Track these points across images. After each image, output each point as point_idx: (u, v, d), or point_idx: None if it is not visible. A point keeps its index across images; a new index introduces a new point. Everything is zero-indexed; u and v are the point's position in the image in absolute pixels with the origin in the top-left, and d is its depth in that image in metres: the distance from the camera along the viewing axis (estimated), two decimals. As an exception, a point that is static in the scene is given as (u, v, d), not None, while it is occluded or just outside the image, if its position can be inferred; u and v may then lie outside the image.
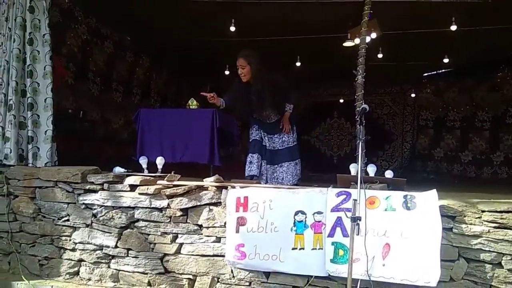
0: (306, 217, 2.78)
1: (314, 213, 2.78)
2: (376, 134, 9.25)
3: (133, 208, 3.12)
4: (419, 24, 5.94)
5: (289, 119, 4.08)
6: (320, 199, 2.80)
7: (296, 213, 2.80)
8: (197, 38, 6.77)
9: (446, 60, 6.99)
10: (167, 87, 8.73)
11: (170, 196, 3.00)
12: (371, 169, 3.24)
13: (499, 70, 7.91)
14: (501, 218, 2.43)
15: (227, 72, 7.70)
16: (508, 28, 5.80)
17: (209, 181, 3.03)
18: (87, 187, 3.28)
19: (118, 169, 3.31)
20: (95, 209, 3.26)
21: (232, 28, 5.84)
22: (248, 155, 4.12)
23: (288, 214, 2.79)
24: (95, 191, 3.26)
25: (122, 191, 3.17)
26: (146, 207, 3.08)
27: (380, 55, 6.68)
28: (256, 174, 3.96)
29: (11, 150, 3.74)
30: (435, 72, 8.74)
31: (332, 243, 2.68)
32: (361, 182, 2.42)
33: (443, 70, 8.51)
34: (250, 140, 4.18)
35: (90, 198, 3.26)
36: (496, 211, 2.46)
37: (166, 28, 6.58)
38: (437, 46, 6.70)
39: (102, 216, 3.22)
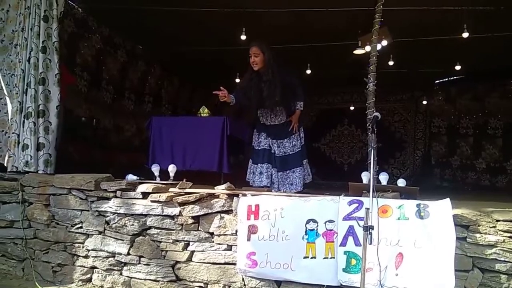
0: (317, 226, 2.77)
1: (326, 221, 2.77)
2: (388, 141, 9.17)
3: (145, 215, 3.15)
4: (430, 31, 5.92)
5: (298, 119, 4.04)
6: (331, 208, 2.79)
7: (308, 222, 2.79)
8: (208, 46, 6.84)
9: (458, 67, 6.93)
10: (178, 95, 8.81)
11: (182, 204, 3.02)
12: (383, 178, 3.22)
13: (511, 77, 7.80)
14: (516, 228, 2.40)
15: (237, 80, 7.73)
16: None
17: (221, 189, 3.04)
18: (100, 194, 3.32)
19: (131, 177, 3.34)
20: (108, 216, 3.29)
21: (243, 37, 5.88)
22: (257, 165, 4.00)
23: (300, 223, 2.79)
24: (108, 199, 3.30)
25: (135, 198, 3.20)
26: (158, 215, 3.10)
27: (391, 62, 6.65)
28: (268, 185, 3.90)
29: (31, 156, 3.80)
30: (446, 79, 8.67)
31: (345, 252, 2.66)
32: (373, 191, 2.41)
33: (454, 77, 8.44)
34: (258, 149, 4.07)
35: (103, 205, 3.30)
36: (511, 221, 2.43)
37: (177, 37, 6.65)
38: (449, 53, 6.66)
39: (115, 223, 3.25)
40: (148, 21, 5.98)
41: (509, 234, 2.41)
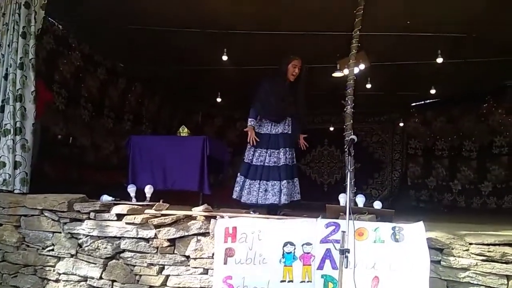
0: (295, 249, 2.75)
1: (303, 244, 2.76)
2: (366, 162, 9.32)
3: (119, 238, 3.07)
4: (406, 56, 6.13)
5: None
6: (309, 230, 2.78)
7: (285, 244, 2.77)
8: (189, 66, 6.88)
9: (433, 91, 7.16)
10: (159, 114, 8.77)
11: (158, 226, 2.96)
12: (360, 200, 3.25)
13: (484, 101, 8.08)
14: (488, 251, 2.43)
15: (219, 100, 7.79)
16: (492, 61, 6.01)
17: (198, 211, 3.01)
18: (74, 215, 3.22)
19: (106, 198, 3.27)
20: (80, 238, 3.19)
21: (224, 57, 5.94)
22: (253, 181, 3.89)
23: (277, 245, 2.77)
24: (81, 220, 3.20)
25: (109, 220, 3.11)
26: (132, 237, 3.02)
27: (368, 85, 6.81)
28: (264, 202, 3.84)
29: (9, 175, 3.68)
30: (422, 102, 8.93)
31: (322, 276, 2.64)
32: (349, 213, 2.42)
33: (430, 101, 8.70)
34: (257, 164, 3.95)
35: (76, 227, 3.20)
36: (484, 244, 2.47)
37: (158, 56, 6.68)
38: (424, 77, 6.88)
39: (88, 246, 3.15)
40: (130, 39, 5.99)
41: (481, 258, 2.44)
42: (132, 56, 6.85)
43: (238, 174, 4.02)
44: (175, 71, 7.19)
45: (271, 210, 3.85)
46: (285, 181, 3.86)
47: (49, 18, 5.43)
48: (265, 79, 4.07)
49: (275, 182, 3.87)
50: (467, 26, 5.13)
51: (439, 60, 5.55)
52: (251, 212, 3.51)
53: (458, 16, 4.96)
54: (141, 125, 7.99)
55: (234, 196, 3.93)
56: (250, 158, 3.97)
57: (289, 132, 4.01)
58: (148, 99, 8.27)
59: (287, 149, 3.96)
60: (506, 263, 2.40)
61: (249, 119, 3.96)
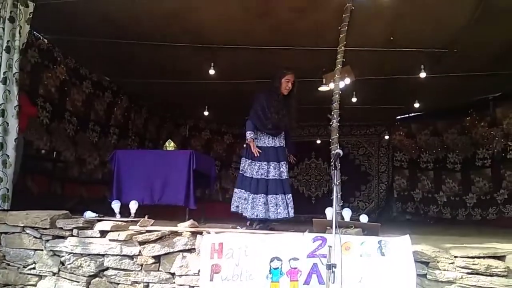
0: (282, 264, 2.73)
1: (290, 259, 2.74)
2: (353, 174, 9.37)
3: (103, 255, 3.01)
4: (391, 71, 6.23)
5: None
6: (296, 245, 2.77)
7: (272, 260, 2.75)
8: (177, 79, 6.87)
9: (417, 105, 7.27)
10: (145, 127, 8.71)
11: (142, 243, 2.91)
12: (347, 213, 3.25)
13: (467, 114, 8.25)
14: (473, 264, 2.45)
15: (206, 113, 7.78)
16: (473, 75, 6.15)
17: (184, 226, 2.97)
18: (56, 233, 3.15)
19: (89, 214, 3.21)
20: (63, 256, 3.12)
21: (212, 71, 5.96)
22: (257, 195, 3.81)
23: (264, 261, 2.74)
24: (64, 237, 3.14)
25: (92, 237, 3.06)
26: (116, 254, 2.97)
27: (354, 99, 6.89)
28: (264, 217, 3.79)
29: None
30: (407, 116, 9.06)
31: (309, 291, 2.62)
32: (336, 228, 2.42)
33: (414, 114, 8.83)
34: (258, 178, 3.87)
35: (58, 245, 3.13)
36: (468, 257, 2.49)
37: (145, 69, 6.67)
38: (409, 91, 7.00)
39: (70, 264, 3.08)
40: (117, 53, 5.98)
41: (466, 271, 2.46)
42: (119, 69, 6.83)
43: (236, 188, 3.97)
44: (162, 84, 7.17)
45: (262, 223, 3.83)
46: (289, 195, 3.90)
47: (34, 32, 5.41)
48: (261, 93, 4.09)
49: (280, 195, 3.86)
50: (448, 42, 5.26)
51: (422, 74, 5.66)
52: (238, 227, 3.47)
53: (439, 32, 5.10)
54: (127, 139, 7.90)
55: (233, 210, 3.89)
56: (250, 171, 3.92)
57: (283, 146, 4.05)
58: (134, 113, 8.22)
59: (283, 163, 3.98)
60: (491, 275, 2.42)
61: (248, 132, 3.94)
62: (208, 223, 4.42)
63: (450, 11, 4.62)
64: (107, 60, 6.45)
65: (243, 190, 3.90)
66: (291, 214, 3.85)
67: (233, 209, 3.91)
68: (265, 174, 3.88)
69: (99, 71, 6.94)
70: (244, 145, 4.12)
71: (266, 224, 3.84)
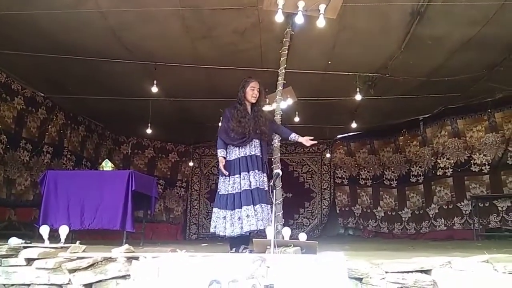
0: (221, 287, 2.69)
1: (230, 281, 2.70)
2: (297, 191, 9.57)
3: (29, 285, 2.78)
4: (331, 92, 6.52)
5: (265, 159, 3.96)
6: (235, 266, 2.74)
7: (211, 283, 2.69)
8: (118, 96, 6.68)
9: (354, 125, 7.64)
10: (83, 146, 8.29)
11: (73, 271, 2.73)
12: (286, 232, 3.29)
13: (400, 134, 8.80)
14: (403, 279, 2.56)
15: (149, 131, 7.59)
16: (404, 98, 6.61)
17: (118, 252, 2.83)
18: (-26, 262, 2.88)
19: (14, 240, 2.97)
20: (-19, 288, 2.85)
21: (154, 89, 5.87)
22: (234, 211, 3.70)
23: (202, 285, 2.68)
24: (-17, 267, 2.87)
25: (17, 266, 2.82)
26: (43, 284, 2.75)
27: (297, 119, 7.10)
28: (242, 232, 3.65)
29: None
30: (346, 134, 9.48)
31: (247, 314, 2.60)
32: (275, 247, 2.44)
33: (353, 133, 9.27)
34: (233, 193, 3.76)
35: (-24, 275, 2.85)
36: (398, 272, 2.60)
37: (83, 85, 6.43)
38: (347, 111, 7.35)
39: (-10, 295, 2.81)
40: (52, 68, 5.71)
41: (397, 285, 2.56)
42: (55, 85, 6.51)
43: (214, 207, 3.83)
44: (101, 101, 6.93)
45: (244, 241, 3.72)
46: (258, 205, 3.72)
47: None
48: (226, 109, 4.00)
49: (252, 207, 3.70)
50: (381, 67, 5.63)
51: (358, 97, 5.98)
52: (177, 251, 3.38)
53: (373, 58, 5.46)
54: (62, 158, 7.47)
55: (211, 231, 3.77)
56: (224, 188, 3.80)
57: (258, 154, 3.90)
58: (71, 130, 7.80)
59: (257, 171, 3.83)
60: (418, 289, 2.55)
61: (218, 150, 3.84)
62: (149, 245, 4.28)
63: (382, 39, 4.97)
64: (42, 75, 6.14)
65: (221, 209, 3.77)
66: (259, 226, 3.64)
67: (211, 229, 3.78)
68: (239, 187, 3.77)
69: (33, 86, 6.57)
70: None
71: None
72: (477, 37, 4.80)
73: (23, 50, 5.14)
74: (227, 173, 3.76)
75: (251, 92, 3.93)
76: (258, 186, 3.79)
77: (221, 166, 3.78)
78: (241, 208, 3.71)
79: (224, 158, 3.82)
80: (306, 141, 3.98)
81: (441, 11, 4.38)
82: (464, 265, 2.60)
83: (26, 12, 4.27)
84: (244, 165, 3.83)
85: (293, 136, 4.02)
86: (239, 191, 3.75)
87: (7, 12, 4.24)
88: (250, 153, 3.87)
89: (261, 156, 3.92)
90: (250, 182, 3.78)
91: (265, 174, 3.91)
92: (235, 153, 3.88)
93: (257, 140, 3.91)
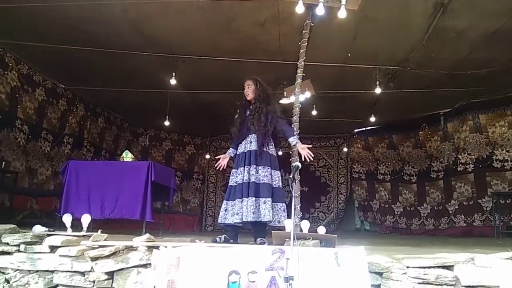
0: (240, 278, 2.70)
1: (249, 272, 2.71)
2: (313, 185, 9.53)
3: (53, 272, 2.85)
4: (349, 85, 6.44)
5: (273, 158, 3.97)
6: (254, 258, 2.75)
7: (230, 273, 2.70)
8: (136, 88, 6.74)
9: (372, 119, 7.53)
10: (102, 137, 8.42)
11: (95, 258, 2.78)
12: (305, 225, 3.28)
13: (420, 129, 8.65)
14: (424, 274, 2.53)
15: (167, 123, 7.64)
16: (425, 92, 6.48)
17: (139, 241, 2.87)
18: (1, 248, 2.96)
19: (38, 228, 3.04)
20: (8, 273, 2.93)
21: (173, 81, 5.90)
22: (234, 201, 3.79)
23: (222, 275, 2.69)
24: (9, 253, 2.95)
25: (41, 252, 2.89)
26: (67, 271, 2.82)
27: (314, 112, 7.04)
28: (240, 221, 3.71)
29: None
30: (364, 129, 9.36)
31: (266, 305, 2.60)
32: (294, 240, 2.43)
33: (371, 127, 9.15)
34: (235, 185, 3.85)
35: (3, 261, 2.94)
36: (420, 267, 2.57)
37: (103, 77, 6.49)
38: (365, 105, 7.25)
39: (16, 281, 2.89)
40: (73, 59, 5.79)
41: (418, 281, 2.53)
42: (75, 77, 6.61)
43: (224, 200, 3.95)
44: (121, 93, 7.01)
45: (256, 233, 3.77)
46: (249, 198, 3.73)
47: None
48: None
49: (250, 199, 3.73)
50: (402, 60, 5.52)
51: (378, 90, 5.88)
52: (196, 241, 3.41)
53: (394, 51, 5.35)
54: (82, 149, 7.60)
55: (219, 221, 3.87)
56: (234, 180, 3.90)
57: (254, 149, 3.89)
58: (90, 121, 7.93)
59: (254, 166, 3.83)
60: (440, 285, 2.51)
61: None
62: (167, 236, 4.32)
63: (403, 31, 4.87)
64: (63, 67, 6.23)
65: (225, 201, 3.89)
66: (249, 218, 3.66)
67: (219, 220, 3.87)
68: (235, 180, 3.87)
69: (54, 77, 6.68)
70: None
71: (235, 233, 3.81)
72: (502, 30, 4.66)
73: (45, 42, 5.22)
74: (220, 167, 4.00)
75: (244, 90, 4.03)
76: (254, 180, 3.79)
77: (221, 160, 3.98)
78: (234, 200, 3.81)
79: (230, 156, 4.01)
80: (303, 149, 3.87)
81: (465, 3, 4.27)
82: (488, 262, 2.56)
83: (48, 4, 4.33)
84: (242, 160, 3.91)
85: (292, 140, 3.93)
86: (235, 184, 3.85)
87: (29, 4, 4.31)
88: (250, 148, 3.92)
89: (257, 149, 3.89)
90: (247, 175, 3.81)
91: (267, 168, 3.86)
92: (240, 148, 3.99)
93: (253, 136, 3.92)
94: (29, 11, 4.50)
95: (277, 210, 3.82)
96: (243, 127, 3.96)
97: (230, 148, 4.06)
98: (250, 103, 4.03)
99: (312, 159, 3.90)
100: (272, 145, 3.99)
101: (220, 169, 4.04)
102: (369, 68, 5.70)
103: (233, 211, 3.79)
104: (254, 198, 3.74)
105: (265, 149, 3.90)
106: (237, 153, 3.99)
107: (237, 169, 3.91)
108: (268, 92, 4.04)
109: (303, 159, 3.89)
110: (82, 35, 5.08)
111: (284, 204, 3.91)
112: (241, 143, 3.97)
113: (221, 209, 3.91)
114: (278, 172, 4.01)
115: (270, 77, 5.99)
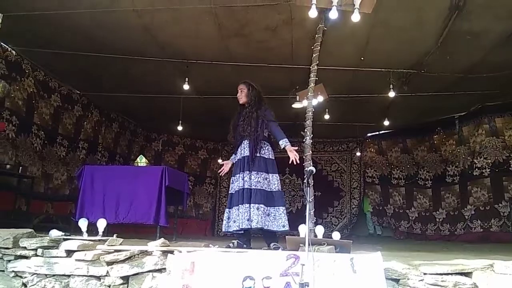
0: (254, 283, 2.68)
1: (263, 278, 2.69)
2: (326, 190, 9.47)
3: (69, 276, 2.88)
4: (362, 89, 6.40)
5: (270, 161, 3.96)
6: (269, 263, 2.73)
7: (245, 279, 2.69)
8: (149, 93, 6.81)
9: (386, 123, 7.46)
10: (116, 142, 8.52)
11: (110, 263, 2.80)
12: (320, 230, 3.25)
13: (435, 132, 8.53)
14: (442, 281, 2.49)
15: (179, 128, 7.69)
16: (439, 95, 6.40)
17: (154, 245, 2.88)
18: (19, 252, 3.00)
19: (55, 233, 3.08)
20: (25, 277, 2.97)
21: (186, 86, 5.94)
22: (231, 209, 3.82)
23: (236, 280, 2.69)
24: (27, 257, 2.99)
25: (58, 257, 2.92)
26: (83, 275, 2.84)
27: (327, 116, 7.01)
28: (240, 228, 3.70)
29: None
30: (377, 133, 9.28)
31: (281, 311, 2.59)
32: (309, 245, 2.41)
33: (384, 131, 9.06)
34: (233, 192, 3.88)
35: (21, 265, 2.97)
36: (437, 274, 2.53)
37: (117, 82, 6.57)
38: (379, 109, 7.19)
39: (34, 285, 2.92)
40: (88, 66, 5.88)
41: (435, 287, 2.50)
42: (90, 82, 6.70)
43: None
44: (134, 98, 7.09)
45: (267, 239, 3.76)
46: (244, 205, 3.72)
47: (2, 43, 5.27)
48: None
49: (243, 206, 3.73)
50: (416, 63, 5.47)
51: (391, 94, 5.83)
52: (211, 246, 3.41)
53: (407, 54, 5.31)
54: (97, 154, 7.69)
55: (223, 230, 3.89)
56: (232, 188, 3.92)
57: (246, 155, 3.88)
58: (105, 127, 8.03)
59: (247, 172, 3.82)
60: (458, 292, 2.46)
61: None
62: (181, 240, 4.34)
63: (417, 35, 4.82)
64: (78, 73, 6.34)
65: (229, 209, 3.87)
66: (251, 225, 3.64)
67: (223, 229, 3.89)
68: (238, 186, 3.86)
69: (69, 84, 6.79)
70: None
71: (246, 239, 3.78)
72: (519, 32, 4.59)
73: (61, 49, 5.32)
74: (223, 174, 4.12)
75: (237, 94, 4.02)
76: (248, 186, 3.77)
77: (224, 167, 4.07)
78: (232, 207, 3.82)
79: (232, 162, 4.03)
80: (290, 151, 3.79)
81: (481, 5, 4.20)
82: (508, 269, 2.50)
83: (63, 12, 4.41)
84: (238, 166, 3.93)
85: (282, 143, 3.86)
86: (233, 191, 3.88)
87: (44, 12, 4.39)
88: (244, 154, 3.91)
89: (249, 156, 3.84)
90: (242, 182, 3.81)
91: (261, 174, 3.82)
92: (237, 154, 3.99)
93: (246, 141, 3.91)
94: (45, 19, 4.58)
95: (280, 214, 3.79)
96: (236, 133, 3.96)
97: (233, 154, 4.05)
98: (246, 108, 4.00)
99: (298, 163, 3.81)
100: (268, 149, 3.97)
101: (223, 175, 4.10)
102: (382, 71, 5.65)
103: (233, 219, 3.78)
104: (247, 205, 3.73)
105: (258, 154, 3.85)
106: (236, 159, 3.97)
107: (235, 176, 3.91)
108: (261, 96, 4.00)
109: (290, 162, 3.81)
110: (96, 42, 5.15)
111: (285, 207, 3.90)
112: (238, 149, 3.97)
113: (224, 217, 3.91)
114: (277, 175, 3.98)
115: (283, 81, 6.04)
